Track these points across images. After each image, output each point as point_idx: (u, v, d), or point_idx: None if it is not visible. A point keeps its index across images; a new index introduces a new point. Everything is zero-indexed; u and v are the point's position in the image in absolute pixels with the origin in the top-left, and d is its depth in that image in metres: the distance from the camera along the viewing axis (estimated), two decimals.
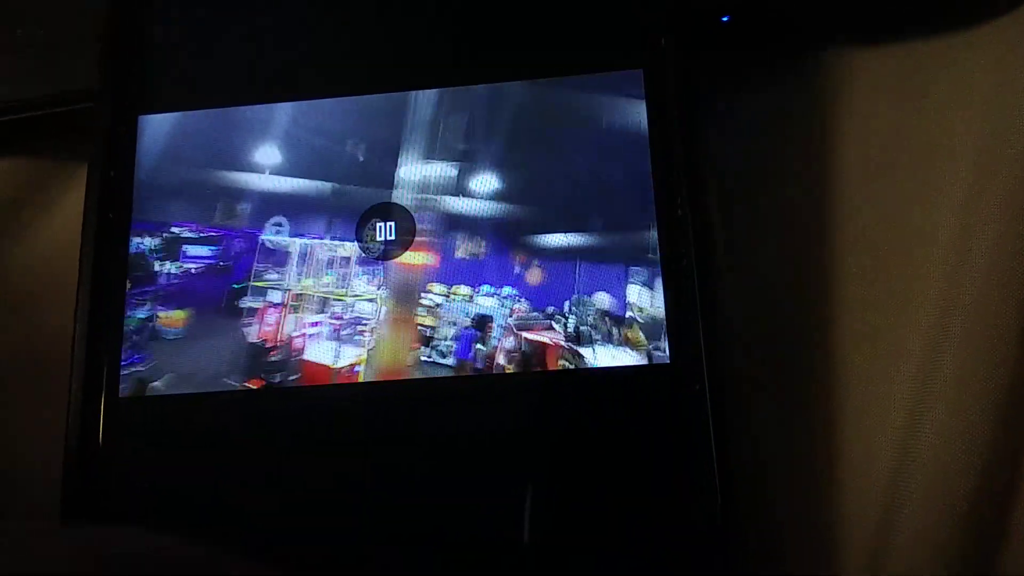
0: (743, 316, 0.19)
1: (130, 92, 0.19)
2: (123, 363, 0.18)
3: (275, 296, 0.18)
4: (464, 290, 0.18)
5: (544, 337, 0.17)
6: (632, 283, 0.17)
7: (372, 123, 0.19)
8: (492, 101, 0.18)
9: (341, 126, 0.19)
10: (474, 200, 0.18)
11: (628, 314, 0.17)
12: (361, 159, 0.19)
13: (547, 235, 0.18)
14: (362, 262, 0.18)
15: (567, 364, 0.17)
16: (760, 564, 0.17)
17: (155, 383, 0.18)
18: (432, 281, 0.18)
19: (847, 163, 0.21)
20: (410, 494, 0.17)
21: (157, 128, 0.19)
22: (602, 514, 0.16)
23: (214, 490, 0.17)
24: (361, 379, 0.18)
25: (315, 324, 0.18)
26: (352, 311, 0.18)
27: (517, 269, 0.18)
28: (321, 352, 0.18)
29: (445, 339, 0.18)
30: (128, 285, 0.18)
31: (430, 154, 0.18)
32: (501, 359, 0.17)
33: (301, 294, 0.18)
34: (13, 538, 0.15)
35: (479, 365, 0.17)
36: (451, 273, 0.18)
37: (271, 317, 0.18)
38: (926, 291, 0.19)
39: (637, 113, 0.18)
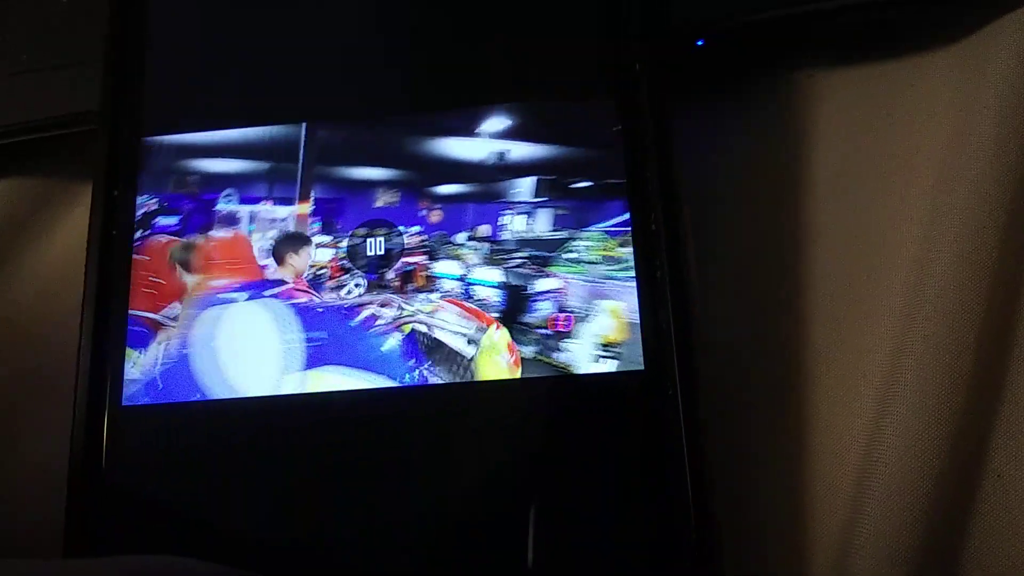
0: (714, 327, 0.20)
1: (132, 115, 0.20)
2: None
3: None
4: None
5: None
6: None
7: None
8: (465, 126, 0.19)
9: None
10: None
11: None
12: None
13: None
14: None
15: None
16: (732, 566, 0.18)
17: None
18: None
19: (816, 181, 0.22)
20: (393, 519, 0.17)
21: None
22: (571, 527, 0.17)
23: (223, 505, 0.18)
24: None
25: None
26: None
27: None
28: None
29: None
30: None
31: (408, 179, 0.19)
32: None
33: None
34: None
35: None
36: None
37: None
38: (890, 303, 0.20)
39: (611, 135, 0.19)
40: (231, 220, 0.19)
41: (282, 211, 0.19)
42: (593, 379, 0.17)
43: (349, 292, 0.19)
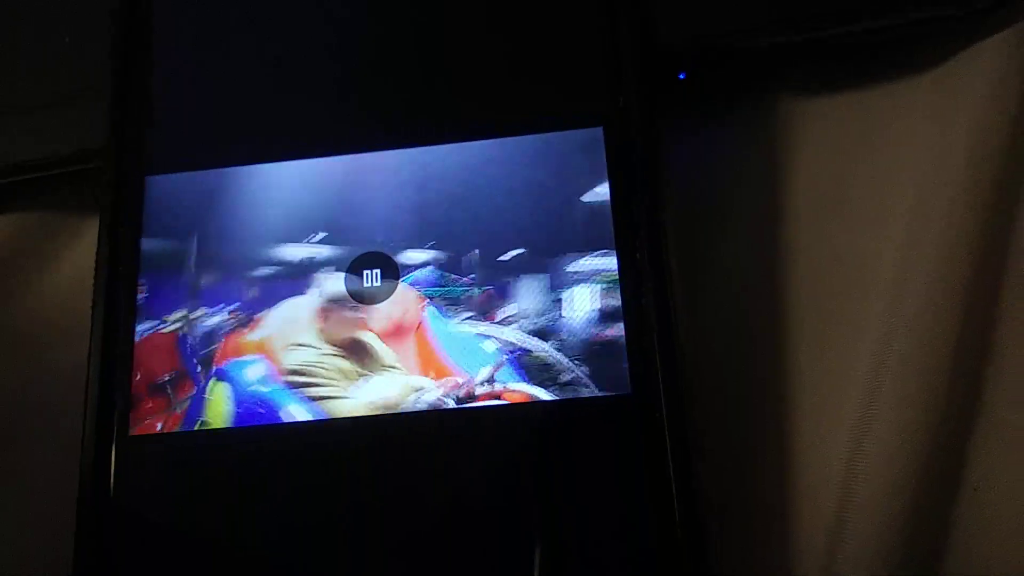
0: (700, 346, 0.21)
1: (137, 153, 0.21)
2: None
3: None
4: None
5: None
6: None
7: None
8: (454, 160, 0.20)
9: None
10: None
11: None
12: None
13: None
14: None
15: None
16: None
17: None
18: None
19: (799, 203, 0.22)
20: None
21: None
22: (563, 549, 0.17)
23: (235, 535, 0.18)
24: None
25: None
26: None
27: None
28: None
29: None
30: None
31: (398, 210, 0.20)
32: None
33: None
34: None
35: None
36: None
37: None
38: (869, 323, 0.21)
39: (597, 166, 0.19)
40: None
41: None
42: (582, 403, 0.18)
43: None
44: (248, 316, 0.20)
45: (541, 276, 0.19)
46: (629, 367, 0.18)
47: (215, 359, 0.19)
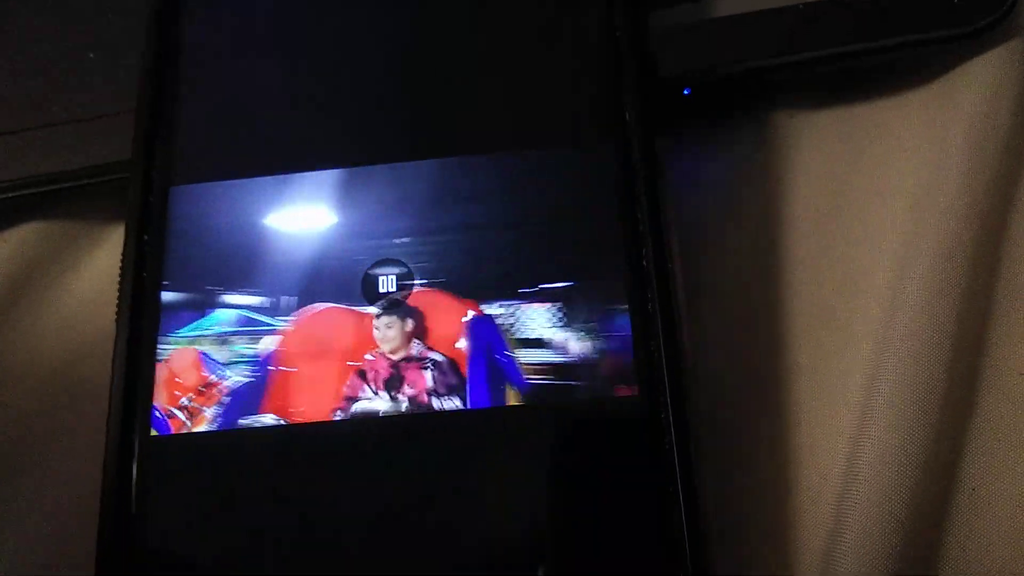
0: (703, 353, 0.21)
1: (161, 164, 0.21)
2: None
3: None
4: None
5: None
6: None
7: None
8: (463, 174, 0.21)
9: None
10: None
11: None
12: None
13: None
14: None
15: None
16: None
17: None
18: None
19: (798, 215, 0.23)
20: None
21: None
22: (567, 549, 0.18)
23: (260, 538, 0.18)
24: None
25: None
26: None
27: None
28: None
29: None
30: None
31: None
32: None
33: None
34: None
35: None
36: None
37: None
38: (867, 329, 0.21)
39: (604, 181, 0.20)
40: None
41: None
42: (588, 404, 0.19)
43: None
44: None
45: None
46: (635, 370, 0.18)
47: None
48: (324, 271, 0.20)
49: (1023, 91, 0.22)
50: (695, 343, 0.20)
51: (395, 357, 0.20)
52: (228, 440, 0.19)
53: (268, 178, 0.21)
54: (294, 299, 0.20)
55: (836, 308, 0.22)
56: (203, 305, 0.20)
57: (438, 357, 0.20)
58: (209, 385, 0.20)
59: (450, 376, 0.19)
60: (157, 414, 0.20)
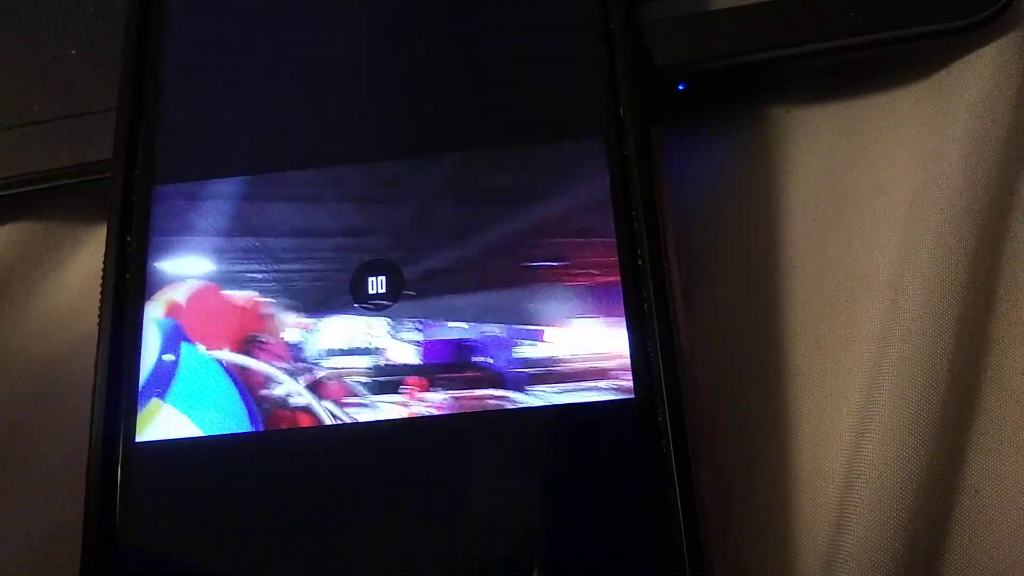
0: (701, 352, 0.21)
1: (144, 164, 0.21)
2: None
3: None
4: None
5: None
6: None
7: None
8: (457, 172, 0.20)
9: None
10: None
11: None
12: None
13: None
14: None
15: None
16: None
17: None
18: None
19: (796, 210, 0.23)
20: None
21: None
22: (564, 555, 0.17)
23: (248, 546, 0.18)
24: None
25: None
26: None
27: None
28: None
29: None
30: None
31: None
32: None
33: None
34: None
35: None
36: None
37: None
38: (868, 327, 0.21)
39: (599, 177, 0.20)
40: None
41: None
42: (585, 407, 0.18)
43: None
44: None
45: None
46: (632, 372, 0.18)
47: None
48: (309, 270, 0.20)
49: (1023, 84, 0.22)
50: (692, 342, 0.20)
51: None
52: (215, 445, 0.19)
53: (251, 177, 0.21)
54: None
55: (835, 305, 0.21)
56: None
57: None
58: None
59: None
60: None
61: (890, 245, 0.22)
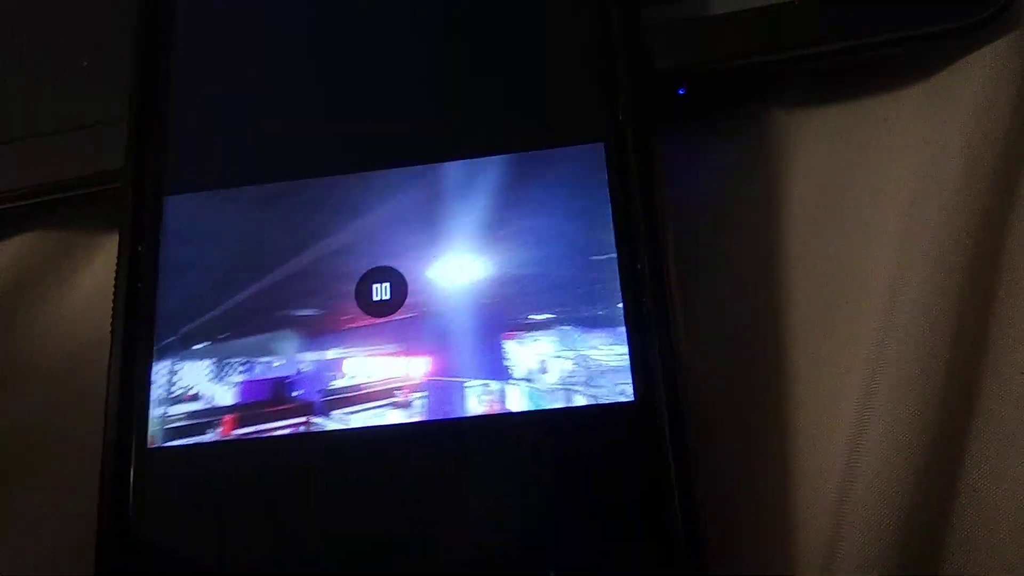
0: (700, 353, 0.21)
1: (155, 174, 0.21)
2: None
3: None
4: None
5: None
6: None
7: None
8: (463, 177, 0.20)
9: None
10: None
11: None
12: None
13: None
14: None
15: None
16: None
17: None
18: None
19: (795, 212, 0.23)
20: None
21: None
22: (563, 559, 0.17)
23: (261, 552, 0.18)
24: None
25: None
26: None
27: None
28: None
29: None
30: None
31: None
32: None
33: None
34: None
35: None
36: None
37: None
38: (866, 328, 0.21)
39: (599, 182, 0.20)
40: None
41: None
42: (584, 411, 0.18)
43: None
44: None
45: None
46: (632, 376, 0.18)
47: None
48: (319, 279, 0.20)
49: (1022, 85, 0.22)
50: (691, 344, 0.20)
51: None
52: (227, 450, 0.19)
53: (263, 187, 0.21)
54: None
55: (835, 306, 0.22)
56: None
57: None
58: None
59: None
60: None
61: (890, 246, 0.22)
